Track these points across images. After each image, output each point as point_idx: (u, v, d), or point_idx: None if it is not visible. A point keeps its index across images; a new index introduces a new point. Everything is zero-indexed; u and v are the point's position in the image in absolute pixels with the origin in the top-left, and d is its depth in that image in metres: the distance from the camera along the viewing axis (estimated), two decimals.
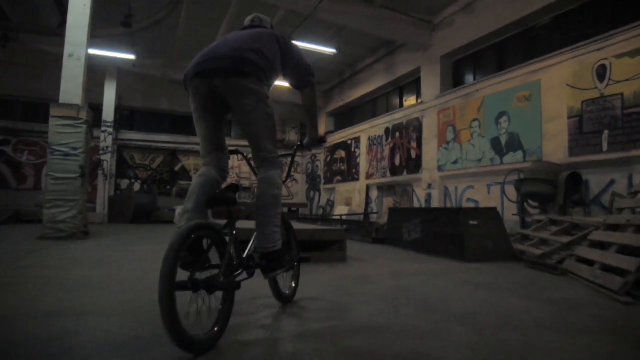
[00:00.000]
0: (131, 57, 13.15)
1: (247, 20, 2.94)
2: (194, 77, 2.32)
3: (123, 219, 14.60)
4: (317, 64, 14.20)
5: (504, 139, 8.52)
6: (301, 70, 2.62)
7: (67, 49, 7.74)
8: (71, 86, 7.67)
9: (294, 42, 2.72)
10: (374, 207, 13.06)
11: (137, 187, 16.55)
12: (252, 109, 2.32)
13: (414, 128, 11.27)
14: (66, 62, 7.71)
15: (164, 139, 16.71)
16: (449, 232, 5.80)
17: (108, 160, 14.39)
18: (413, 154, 11.29)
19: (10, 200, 13.58)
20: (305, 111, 2.68)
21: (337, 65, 14.53)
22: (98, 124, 15.11)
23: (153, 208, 15.15)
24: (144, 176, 16.73)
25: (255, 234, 2.37)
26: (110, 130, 14.43)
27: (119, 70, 14.74)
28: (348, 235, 9.46)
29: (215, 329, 1.95)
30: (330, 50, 11.63)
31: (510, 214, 7.76)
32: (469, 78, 10.13)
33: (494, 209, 5.84)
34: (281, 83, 15.48)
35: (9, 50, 14.77)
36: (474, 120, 9.28)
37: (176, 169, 17.23)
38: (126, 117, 16.65)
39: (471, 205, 9.18)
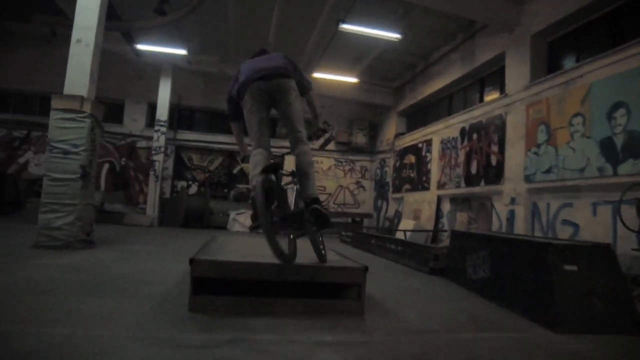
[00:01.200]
0: (182, 52, 12.38)
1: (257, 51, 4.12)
2: (255, 80, 3.42)
3: (174, 222, 13.91)
4: (384, 56, 12.41)
5: (619, 140, 6.16)
6: (304, 80, 3.83)
7: (75, 33, 6.78)
8: (77, 75, 6.69)
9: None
10: (445, 222, 10.96)
11: (194, 189, 15.90)
12: (292, 101, 3.46)
13: (496, 127, 9.07)
14: (73, 49, 6.75)
15: (222, 140, 15.87)
16: (530, 278, 3.80)
17: (160, 161, 13.78)
18: (493, 159, 9.10)
19: None
20: (310, 107, 3.95)
21: (408, 57, 12.62)
22: (152, 123, 14.68)
23: (205, 212, 14.30)
24: (202, 178, 16.02)
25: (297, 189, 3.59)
26: (164, 129, 13.80)
27: (175, 68, 14.12)
28: (401, 259, 7.62)
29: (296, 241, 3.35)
30: (393, 36, 9.82)
31: (627, 247, 5.46)
32: (569, 61, 7.78)
33: (606, 247, 3.74)
34: (347, 79, 13.92)
35: None
36: (576, 115, 6.96)
37: (234, 171, 16.32)
38: (186, 117, 16.09)
39: (569, 229, 6.87)
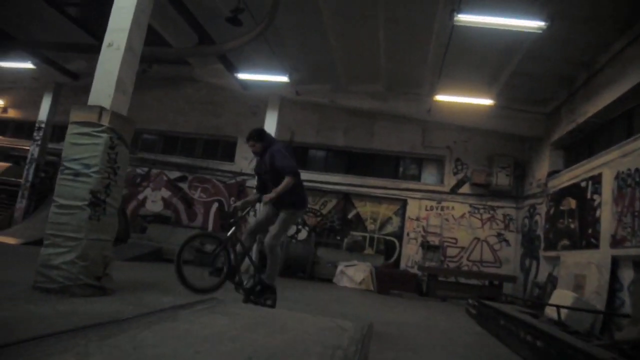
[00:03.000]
0: (284, 79, 11.18)
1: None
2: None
3: None
4: (527, 68, 9.48)
5: None
6: None
7: (107, 37, 5.73)
8: (103, 85, 5.57)
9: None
10: (625, 299, 7.24)
11: (304, 234, 14.26)
12: None
13: None
14: (103, 55, 5.68)
15: (335, 180, 14.13)
16: None
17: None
18: None
19: (176, 236, 12.86)
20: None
21: (562, 66, 9.40)
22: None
23: (307, 261, 12.46)
24: (313, 223, 14.34)
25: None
26: None
27: (283, 100, 13.00)
28: None
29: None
30: (534, 24, 7.01)
31: None
32: None
33: None
34: (480, 101, 10.86)
35: (195, 89, 14.93)
36: None
37: (349, 216, 14.33)
38: (299, 155, 14.81)
39: None
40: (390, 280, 11.39)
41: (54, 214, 5.19)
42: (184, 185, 14.71)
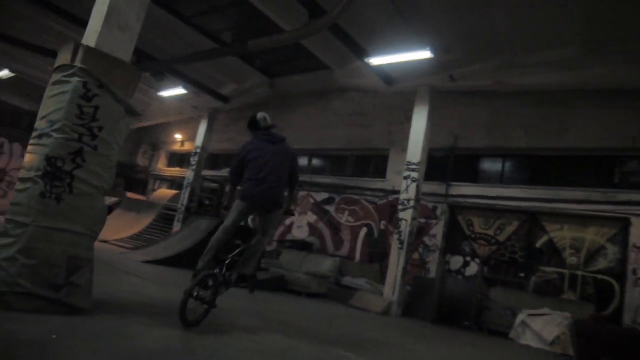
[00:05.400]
0: (426, 54, 8.59)
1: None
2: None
3: (425, 314, 9.27)
4: None
5: None
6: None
7: None
8: (95, 21, 4.06)
9: None
10: None
11: (473, 268, 10.76)
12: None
13: None
14: None
15: (516, 194, 10.36)
16: None
17: (407, 220, 9.65)
18: None
19: (308, 264, 11.06)
20: None
21: None
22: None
23: (471, 304, 9.01)
24: (485, 253, 10.74)
25: None
26: (415, 175, 9.78)
27: (436, 94, 10.20)
28: None
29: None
30: None
31: None
32: None
33: None
34: None
35: (342, 100, 13.50)
36: None
37: (538, 244, 10.21)
38: (465, 164, 11.58)
39: None
40: (602, 343, 7.08)
41: (15, 192, 3.73)
42: (331, 208, 12.90)
